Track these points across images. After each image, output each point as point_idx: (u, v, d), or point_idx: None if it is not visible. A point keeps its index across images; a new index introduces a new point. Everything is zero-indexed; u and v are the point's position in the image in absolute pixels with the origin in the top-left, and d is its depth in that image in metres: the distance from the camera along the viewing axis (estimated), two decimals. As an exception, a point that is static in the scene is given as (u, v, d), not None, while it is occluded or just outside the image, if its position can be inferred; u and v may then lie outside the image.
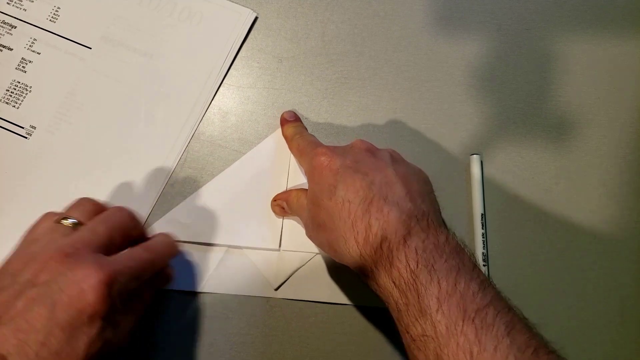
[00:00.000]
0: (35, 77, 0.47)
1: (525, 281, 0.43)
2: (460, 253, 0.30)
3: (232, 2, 0.49)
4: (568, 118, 0.47)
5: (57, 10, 0.49)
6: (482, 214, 0.43)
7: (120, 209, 0.35)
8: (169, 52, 0.48)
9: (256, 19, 0.49)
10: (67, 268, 0.28)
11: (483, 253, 0.42)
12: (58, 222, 0.33)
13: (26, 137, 0.46)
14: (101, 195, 0.44)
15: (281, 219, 0.43)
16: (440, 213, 0.35)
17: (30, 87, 0.47)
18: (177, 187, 0.45)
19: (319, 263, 0.42)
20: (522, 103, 0.47)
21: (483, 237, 0.43)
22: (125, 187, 0.44)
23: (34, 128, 0.46)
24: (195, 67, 0.48)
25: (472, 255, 0.31)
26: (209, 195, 0.44)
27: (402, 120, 0.47)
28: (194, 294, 0.42)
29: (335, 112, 0.47)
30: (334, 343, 0.41)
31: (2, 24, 0.49)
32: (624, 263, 0.43)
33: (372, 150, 0.36)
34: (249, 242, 0.42)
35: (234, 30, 0.49)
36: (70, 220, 0.33)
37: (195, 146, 0.46)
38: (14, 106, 0.46)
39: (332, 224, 0.33)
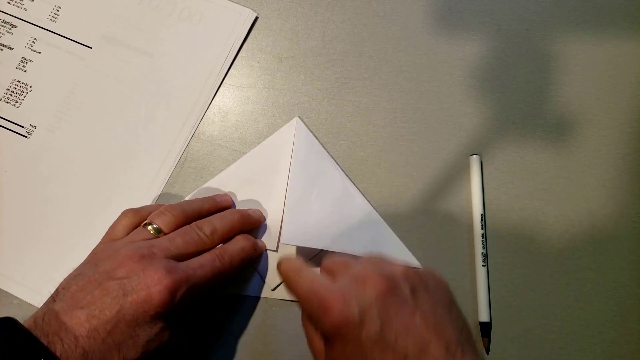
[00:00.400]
0: (35, 76, 0.47)
1: (525, 281, 0.43)
2: None
3: (233, 2, 0.49)
4: (568, 118, 0.47)
5: (57, 10, 0.49)
6: (482, 214, 0.43)
7: (199, 226, 0.37)
8: (169, 52, 0.48)
9: (256, 19, 0.49)
10: (140, 269, 0.31)
11: (483, 253, 0.42)
12: (144, 226, 0.36)
13: (26, 137, 0.46)
14: (101, 194, 0.44)
15: (280, 220, 0.43)
16: (474, 342, 0.30)
17: (31, 86, 0.47)
18: (177, 187, 0.45)
19: (317, 264, 0.42)
20: (522, 103, 0.47)
21: (483, 237, 0.43)
22: (125, 187, 0.44)
23: (34, 127, 0.46)
24: (196, 66, 0.48)
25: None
26: (208, 195, 0.44)
27: (402, 120, 0.47)
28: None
29: (335, 112, 0.47)
30: None
31: (2, 23, 0.49)
32: (623, 263, 0.43)
33: (389, 291, 0.29)
34: None
35: (234, 30, 0.49)
36: (153, 226, 0.36)
37: (196, 146, 0.46)
38: (15, 105, 0.46)
39: None
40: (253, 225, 0.41)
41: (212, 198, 0.42)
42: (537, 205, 0.45)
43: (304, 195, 0.43)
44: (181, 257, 0.34)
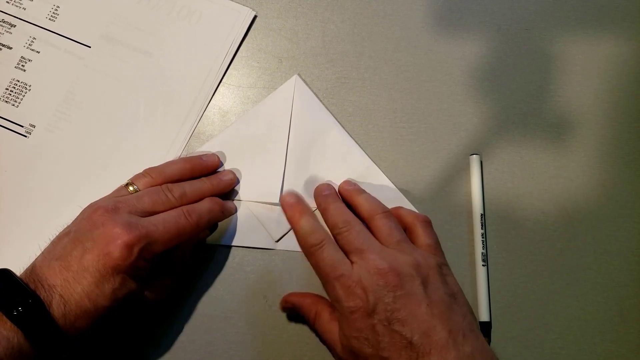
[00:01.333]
0: (34, 75, 0.47)
1: (525, 281, 0.43)
2: None
3: (231, 0, 0.49)
4: (568, 118, 0.47)
5: (56, 9, 0.49)
6: (482, 214, 0.43)
7: (168, 188, 0.38)
8: (168, 51, 0.48)
9: (255, 17, 0.49)
10: (101, 223, 0.33)
11: (483, 253, 0.42)
12: (126, 186, 0.38)
13: (26, 136, 0.46)
14: (100, 194, 0.44)
15: (281, 177, 0.44)
16: (478, 328, 0.34)
17: (30, 85, 0.47)
18: (176, 187, 0.45)
19: (319, 216, 0.42)
20: (522, 103, 0.47)
21: (483, 237, 0.43)
22: (124, 187, 0.44)
23: (34, 127, 0.46)
24: (195, 65, 0.48)
25: None
26: (212, 149, 0.45)
27: (402, 120, 0.47)
28: (193, 292, 0.42)
29: (335, 112, 0.47)
30: None
31: (1, 23, 0.48)
32: (623, 263, 0.43)
33: (400, 285, 0.33)
34: (250, 195, 0.44)
35: (233, 28, 0.49)
36: (133, 187, 0.38)
37: (195, 145, 0.46)
38: (14, 105, 0.46)
39: None
40: (224, 190, 0.42)
41: (198, 157, 0.43)
42: (537, 205, 0.45)
43: (304, 151, 0.44)
44: (147, 214, 0.36)
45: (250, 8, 0.49)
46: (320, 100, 0.47)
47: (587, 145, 0.46)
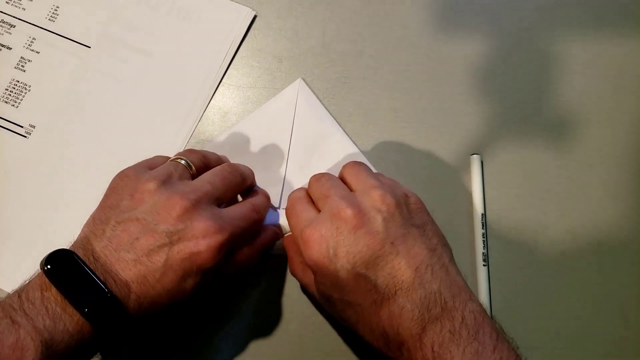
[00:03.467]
0: (34, 76, 0.47)
1: (526, 281, 0.43)
2: (479, 331, 0.28)
3: (231, 0, 0.49)
4: (568, 118, 0.47)
5: (56, 9, 0.49)
6: (482, 214, 0.43)
7: (232, 168, 0.37)
8: (167, 51, 0.48)
9: (255, 17, 0.49)
10: (189, 218, 0.31)
11: (483, 253, 0.42)
12: (176, 160, 0.36)
13: (25, 136, 0.46)
14: (101, 194, 0.44)
15: (282, 180, 0.44)
16: (451, 260, 0.33)
17: (30, 86, 0.47)
18: (176, 187, 0.44)
19: None
20: (523, 103, 0.47)
21: (483, 237, 0.43)
22: (124, 187, 0.44)
23: (34, 127, 0.46)
24: (194, 65, 0.48)
25: (494, 324, 0.30)
26: (213, 151, 0.44)
27: (402, 120, 0.47)
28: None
29: (335, 112, 0.47)
30: (334, 343, 0.41)
31: (1, 23, 0.48)
32: (625, 263, 0.43)
33: (360, 224, 0.31)
34: None
35: (233, 28, 0.49)
36: (184, 161, 0.36)
37: (195, 145, 0.46)
38: (13, 105, 0.46)
39: (350, 323, 0.33)
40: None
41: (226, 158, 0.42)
42: (538, 204, 0.45)
43: (306, 155, 0.44)
44: (220, 200, 0.35)
45: (250, 8, 0.49)
46: (324, 105, 0.47)
47: (588, 144, 0.46)
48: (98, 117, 0.46)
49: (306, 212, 0.35)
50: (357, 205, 0.32)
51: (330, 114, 0.46)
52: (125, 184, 0.34)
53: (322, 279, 0.32)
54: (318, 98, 0.47)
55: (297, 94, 0.46)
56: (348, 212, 0.32)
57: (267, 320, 0.41)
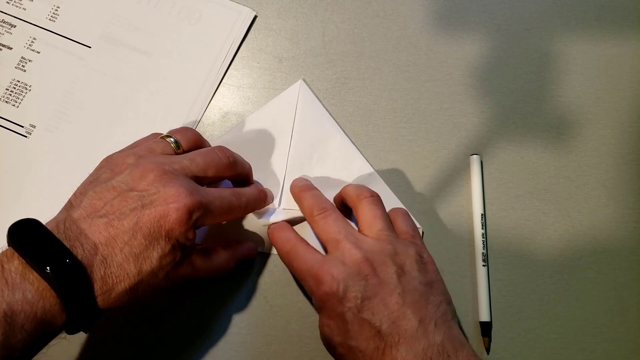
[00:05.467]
0: (34, 76, 0.47)
1: (526, 281, 0.43)
2: None
3: (231, 0, 0.49)
4: (568, 118, 0.47)
5: (56, 9, 0.49)
6: (482, 214, 0.43)
7: (221, 150, 0.37)
8: (167, 51, 0.48)
9: (255, 18, 0.49)
10: (162, 184, 0.31)
11: (483, 253, 0.42)
12: (163, 138, 0.36)
13: (26, 136, 0.46)
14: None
15: (281, 181, 0.44)
16: (454, 318, 0.34)
17: (30, 86, 0.47)
18: (176, 187, 0.45)
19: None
20: (522, 103, 0.47)
21: (483, 237, 0.43)
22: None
23: (34, 127, 0.46)
24: (194, 65, 0.48)
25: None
26: None
27: (401, 121, 0.47)
28: (194, 293, 0.42)
29: (335, 112, 0.47)
30: (334, 343, 0.41)
31: (1, 23, 0.48)
32: (624, 263, 0.43)
33: (373, 274, 0.33)
34: None
35: (233, 28, 0.49)
36: (172, 139, 0.36)
37: (195, 146, 0.46)
38: (14, 105, 0.46)
39: None
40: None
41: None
42: (538, 205, 0.45)
43: (305, 157, 0.44)
44: (200, 179, 0.35)
45: (251, 8, 0.49)
46: (324, 107, 0.47)
47: (587, 145, 0.46)
48: (98, 117, 0.46)
49: (310, 253, 0.35)
50: (371, 255, 0.33)
51: (330, 114, 0.46)
52: (107, 163, 0.35)
53: (327, 320, 0.33)
54: (319, 99, 0.47)
55: (298, 95, 0.46)
56: (362, 261, 0.33)
57: (267, 320, 0.41)
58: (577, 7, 0.50)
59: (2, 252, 0.28)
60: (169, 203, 0.31)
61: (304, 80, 0.47)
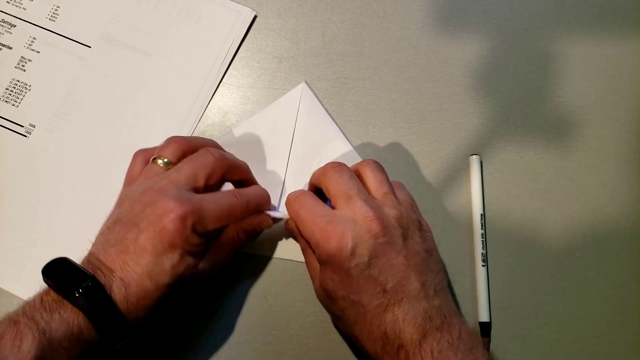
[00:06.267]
0: (34, 75, 0.47)
1: (525, 281, 0.43)
2: (473, 347, 0.31)
3: (231, 0, 0.49)
4: (568, 118, 0.47)
5: (56, 9, 0.49)
6: (482, 214, 0.43)
7: (207, 150, 0.37)
8: (167, 51, 0.48)
9: (255, 17, 0.49)
10: (152, 203, 0.33)
11: (483, 253, 0.42)
12: (153, 161, 0.37)
13: (25, 136, 0.46)
14: (101, 193, 0.44)
15: (281, 183, 0.44)
16: (447, 287, 0.35)
17: (30, 85, 0.47)
18: (176, 187, 0.45)
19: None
20: (522, 103, 0.47)
21: (483, 237, 0.43)
22: (124, 187, 0.44)
23: (34, 126, 0.46)
24: (194, 65, 0.48)
25: (484, 344, 0.32)
26: None
27: (401, 121, 0.47)
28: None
29: (335, 112, 0.47)
30: (334, 343, 0.41)
31: (1, 23, 0.48)
32: (624, 263, 0.43)
33: (382, 234, 0.33)
34: None
35: (233, 28, 0.49)
36: (162, 160, 0.37)
37: (195, 145, 0.46)
38: (14, 105, 0.46)
39: (348, 322, 0.34)
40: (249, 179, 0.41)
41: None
42: (537, 205, 0.45)
43: (306, 160, 0.44)
44: (195, 186, 0.35)
45: (251, 8, 0.49)
46: (325, 108, 0.47)
47: (587, 145, 0.46)
48: (98, 117, 0.46)
49: (319, 206, 0.36)
50: (381, 215, 0.34)
51: (330, 115, 0.46)
52: (116, 202, 0.37)
53: (331, 274, 0.33)
54: (320, 102, 0.47)
55: (300, 97, 0.46)
56: (373, 219, 0.33)
57: (267, 320, 0.41)
58: (577, 7, 0.50)
59: (42, 290, 0.31)
60: (162, 217, 0.32)
61: (306, 82, 0.47)
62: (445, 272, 0.36)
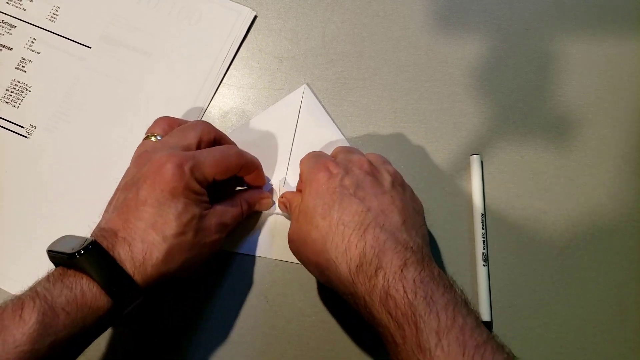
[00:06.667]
0: (35, 76, 0.47)
1: (526, 280, 0.43)
2: (453, 288, 0.30)
3: (231, 0, 0.49)
4: (568, 118, 0.47)
5: (56, 10, 0.49)
6: (482, 214, 0.43)
7: (197, 121, 0.39)
8: (168, 51, 0.48)
9: (255, 18, 0.49)
10: (147, 160, 0.34)
11: (483, 253, 0.42)
12: (146, 139, 0.38)
13: (26, 137, 0.46)
14: (101, 194, 0.44)
15: (283, 182, 0.44)
16: (429, 248, 0.34)
17: (30, 86, 0.47)
18: (177, 187, 0.45)
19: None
20: (522, 103, 0.47)
21: (483, 237, 0.43)
22: (125, 187, 0.44)
23: (34, 127, 0.46)
24: (195, 66, 0.48)
25: (463, 292, 0.31)
26: None
27: (401, 121, 0.47)
28: (193, 291, 0.42)
29: (335, 112, 0.47)
30: (334, 343, 0.41)
31: (1, 24, 0.49)
32: (624, 262, 0.43)
33: (373, 173, 0.36)
34: None
35: (233, 29, 0.49)
36: (154, 136, 0.38)
37: (195, 146, 0.46)
38: (14, 105, 0.46)
39: (323, 245, 0.33)
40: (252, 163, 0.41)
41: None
42: (538, 204, 0.45)
43: None
44: (186, 144, 0.36)
45: (251, 8, 0.49)
46: (326, 111, 0.47)
47: (587, 145, 0.46)
48: (98, 117, 0.46)
49: (323, 154, 0.39)
50: (373, 161, 0.37)
51: (331, 116, 0.46)
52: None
53: (315, 194, 0.34)
54: (321, 103, 0.47)
55: (301, 99, 0.46)
56: (366, 162, 0.36)
57: (267, 320, 0.41)
58: (577, 7, 0.50)
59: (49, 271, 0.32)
60: (158, 167, 0.33)
61: (307, 85, 0.47)
62: (426, 233, 0.36)
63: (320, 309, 0.41)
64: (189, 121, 0.40)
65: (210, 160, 0.35)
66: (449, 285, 0.30)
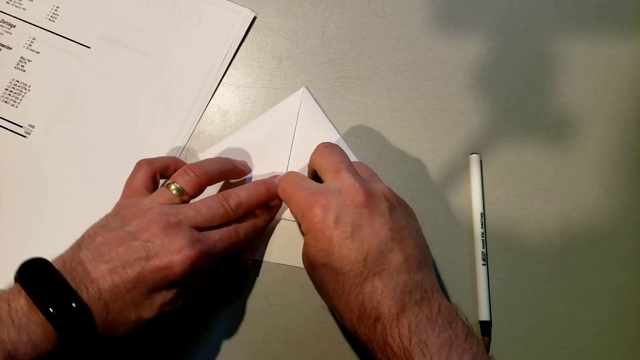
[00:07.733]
0: (34, 76, 0.47)
1: (525, 280, 0.43)
2: (452, 322, 0.31)
3: (231, 1, 0.49)
4: (567, 118, 0.47)
5: (56, 10, 0.49)
6: (481, 214, 0.43)
7: (224, 199, 0.37)
8: (167, 52, 0.48)
9: (255, 18, 0.49)
10: (166, 236, 0.32)
11: (483, 253, 0.42)
12: (167, 187, 0.36)
13: (25, 136, 0.46)
14: (100, 194, 0.44)
15: None
16: (432, 264, 0.35)
17: (29, 86, 0.47)
18: (176, 187, 0.45)
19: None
20: (522, 103, 0.47)
21: (483, 237, 0.43)
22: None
23: (33, 127, 0.46)
24: (194, 66, 0.48)
25: (465, 320, 0.31)
26: (213, 156, 0.44)
27: (401, 120, 0.47)
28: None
29: (335, 112, 0.47)
30: (334, 343, 0.41)
31: (1, 23, 0.49)
32: (623, 263, 0.43)
33: (367, 204, 0.33)
34: None
35: (233, 29, 0.49)
36: (176, 186, 0.36)
37: (195, 145, 0.46)
38: (13, 105, 0.46)
39: (327, 291, 0.34)
40: (276, 196, 0.39)
41: (231, 161, 0.42)
42: (537, 204, 0.45)
43: (305, 165, 0.44)
44: (204, 228, 0.35)
45: (250, 8, 0.49)
46: (325, 110, 0.47)
47: (587, 145, 0.46)
48: (98, 117, 0.46)
49: (305, 181, 0.36)
50: (367, 187, 0.34)
51: (328, 117, 0.46)
52: (118, 212, 0.35)
53: (314, 242, 0.33)
54: (319, 105, 0.47)
55: (300, 102, 0.46)
56: (359, 190, 0.33)
57: (267, 320, 0.41)
58: (577, 7, 0.50)
59: (10, 289, 0.30)
60: (173, 255, 0.31)
61: (306, 88, 0.47)
62: (429, 253, 0.36)
63: (320, 309, 0.41)
64: (215, 173, 0.39)
65: (220, 254, 0.35)
66: (447, 323, 0.30)
